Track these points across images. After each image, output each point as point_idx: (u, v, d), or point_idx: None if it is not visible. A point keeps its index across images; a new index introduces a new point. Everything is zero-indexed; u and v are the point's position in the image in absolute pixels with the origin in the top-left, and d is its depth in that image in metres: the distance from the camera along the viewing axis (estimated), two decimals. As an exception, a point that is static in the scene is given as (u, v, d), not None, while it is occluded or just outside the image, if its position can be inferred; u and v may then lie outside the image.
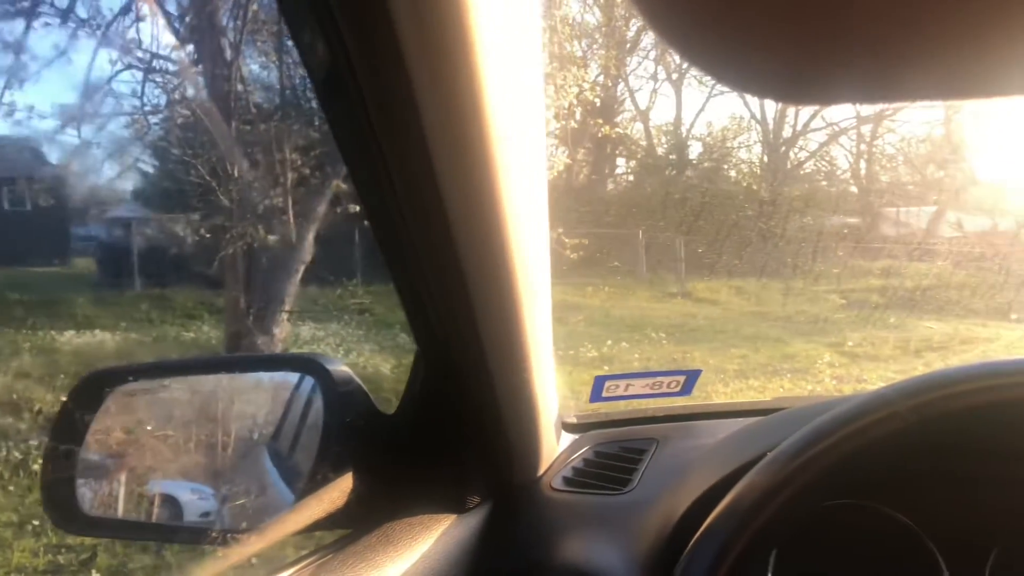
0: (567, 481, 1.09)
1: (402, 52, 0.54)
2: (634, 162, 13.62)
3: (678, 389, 1.27)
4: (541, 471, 1.10)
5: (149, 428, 1.11)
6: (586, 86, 6.97)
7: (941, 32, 0.25)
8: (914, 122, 12.42)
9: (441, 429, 0.97)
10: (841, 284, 10.16)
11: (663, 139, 13.45)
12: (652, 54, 12.82)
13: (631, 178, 13.63)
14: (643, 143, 13.26)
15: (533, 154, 0.71)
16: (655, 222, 11.46)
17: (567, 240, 7.48)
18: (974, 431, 0.81)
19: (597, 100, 7.71)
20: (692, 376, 1.26)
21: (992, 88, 0.27)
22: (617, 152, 13.38)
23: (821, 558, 0.91)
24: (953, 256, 10.24)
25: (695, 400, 1.58)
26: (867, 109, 12.37)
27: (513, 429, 0.99)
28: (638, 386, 1.27)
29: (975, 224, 10.99)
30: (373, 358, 6.30)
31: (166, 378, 1.12)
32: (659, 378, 1.27)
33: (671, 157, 13.29)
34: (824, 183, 13.23)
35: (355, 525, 0.93)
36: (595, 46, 12.03)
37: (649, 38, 13.15)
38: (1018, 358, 0.68)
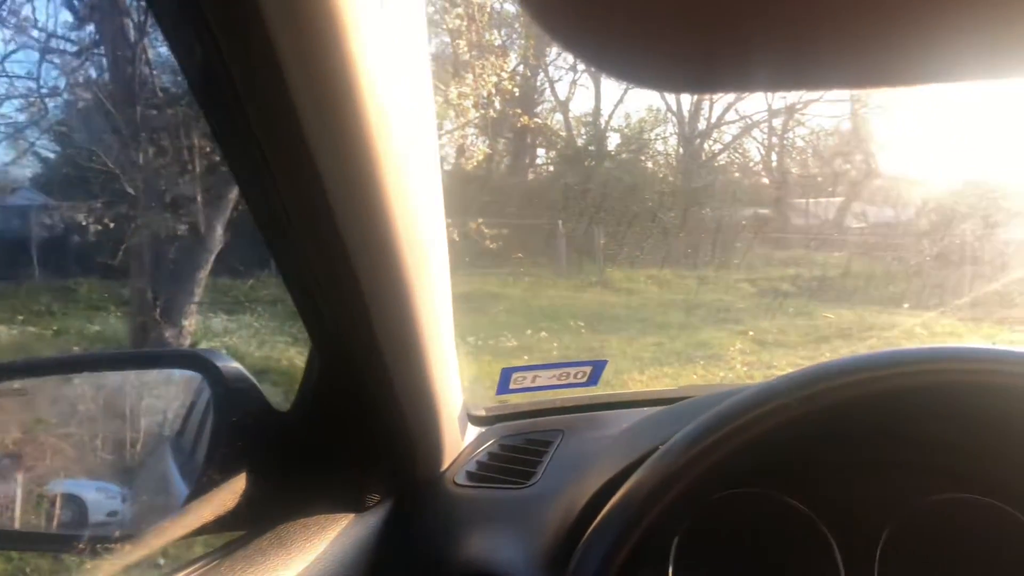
0: (470, 476, 1.08)
1: (276, 51, 0.52)
2: (554, 152, 13.72)
3: (585, 380, 1.27)
4: (444, 466, 1.08)
5: (25, 431, 1.04)
6: (505, 75, 6.95)
7: (848, 21, 0.24)
8: (823, 116, 12.90)
9: (338, 425, 0.94)
10: (752, 273, 10.47)
11: (582, 130, 13.59)
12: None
13: (552, 168, 13.73)
14: (563, 134, 13.37)
15: (421, 145, 0.69)
16: (575, 212, 11.57)
17: (487, 230, 7.46)
18: (864, 418, 0.83)
19: (516, 90, 7.70)
20: (598, 366, 1.26)
21: (898, 78, 0.27)
22: (538, 142, 13.45)
23: (722, 546, 0.92)
24: (857, 246, 10.70)
25: (607, 389, 1.58)
26: (778, 103, 12.77)
27: (413, 424, 0.97)
28: (545, 377, 1.26)
29: (879, 215, 11.50)
30: (288, 351, 6.17)
31: (39, 377, 1.05)
32: (566, 369, 1.27)
33: (590, 148, 13.44)
34: (737, 175, 13.61)
35: (248, 527, 0.89)
36: (514, 35, 12.04)
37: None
38: (900, 350, 0.69)
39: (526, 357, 6.34)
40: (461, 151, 8.69)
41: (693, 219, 12.00)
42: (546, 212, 11.29)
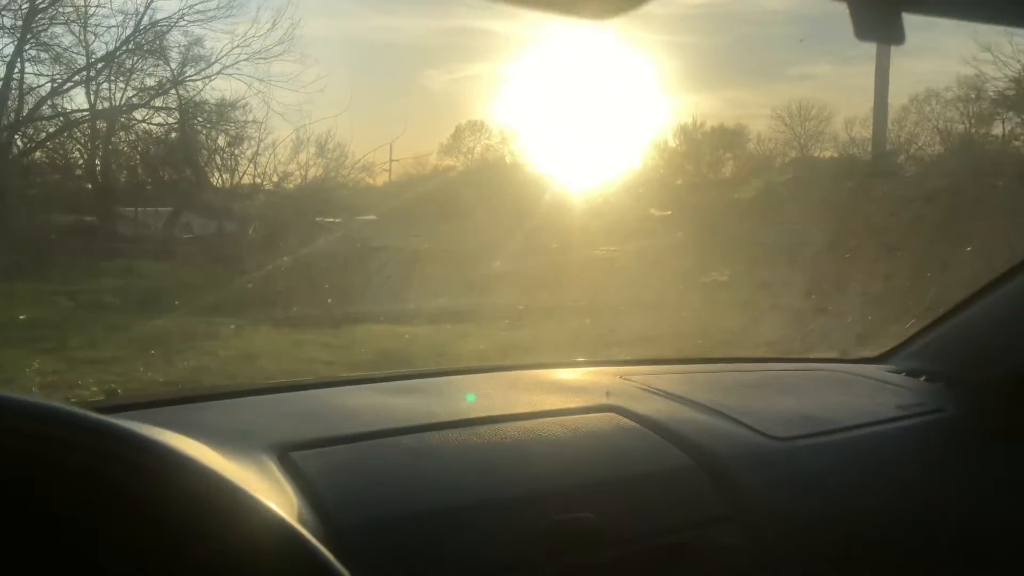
0: None
1: None
2: None
3: None
4: None
5: None
6: None
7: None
8: (150, 123, 12.46)
9: None
10: (72, 285, 9.52)
11: None
12: None
13: None
14: None
15: None
16: None
17: None
18: None
19: None
20: None
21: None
22: None
23: None
24: (185, 256, 10.64)
25: None
26: (102, 103, 11.90)
27: None
28: None
29: (203, 226, 11.64)
30: None
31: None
32: None
33: None
34: (58, 177, 12.26)
35: None
36: None
37: None
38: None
39: None
40: None
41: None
42: None
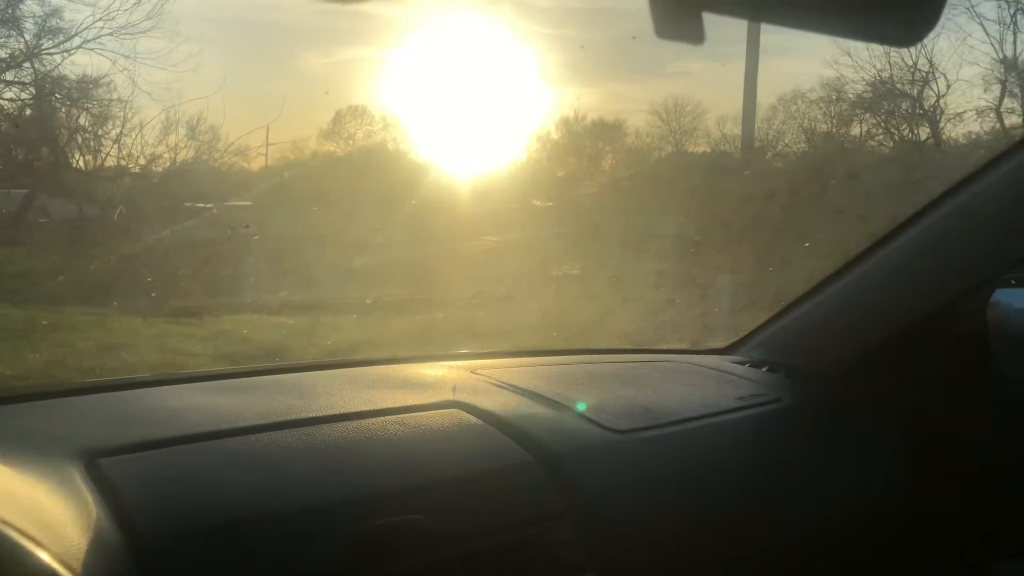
0: None
1: None
2: None
3: None
4: None
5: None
6: None
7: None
8: (1, 97, 11.53)
9: None
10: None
11: None
12: None
13: None
14: None
15: None
16: None
17: None
18: None
19: None
20: None
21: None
22: None
23: None
24: (41, 241, 9.94)
25: None
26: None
27: None
28: None
29: (62, 210, 10.91)
30: None
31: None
32: None
33: None
34: None
35: None
36: None
37: None
38: None
39: None
40: None
41: None
42: None
